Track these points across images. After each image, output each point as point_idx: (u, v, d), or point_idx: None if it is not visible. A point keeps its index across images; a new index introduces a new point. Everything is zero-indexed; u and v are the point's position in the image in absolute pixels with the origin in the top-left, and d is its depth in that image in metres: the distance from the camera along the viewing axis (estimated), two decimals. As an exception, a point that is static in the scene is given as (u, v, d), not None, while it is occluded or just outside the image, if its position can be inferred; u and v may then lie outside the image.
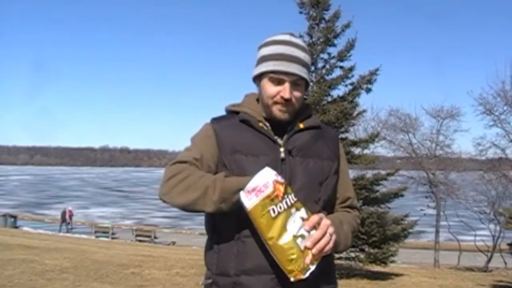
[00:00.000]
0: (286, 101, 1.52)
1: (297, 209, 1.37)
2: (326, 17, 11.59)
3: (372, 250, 11.34)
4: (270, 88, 1.54)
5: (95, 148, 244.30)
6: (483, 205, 22.14)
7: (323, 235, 1.37)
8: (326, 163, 1.57)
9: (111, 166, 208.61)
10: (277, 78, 1.53)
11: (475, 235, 22.57)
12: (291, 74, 1.52)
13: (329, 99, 11.42)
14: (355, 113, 11.55)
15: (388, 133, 22.45)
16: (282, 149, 1.53)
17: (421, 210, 22.48)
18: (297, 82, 1.54)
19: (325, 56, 11.61)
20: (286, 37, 1.58)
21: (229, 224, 1.47)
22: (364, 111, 12.35)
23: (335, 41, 11.49)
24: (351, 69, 11.35)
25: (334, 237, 1.40)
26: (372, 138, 12.41)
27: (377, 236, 10.97)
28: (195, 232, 32.25)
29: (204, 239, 1.65)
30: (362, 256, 11.37)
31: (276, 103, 1.53)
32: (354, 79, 11.39)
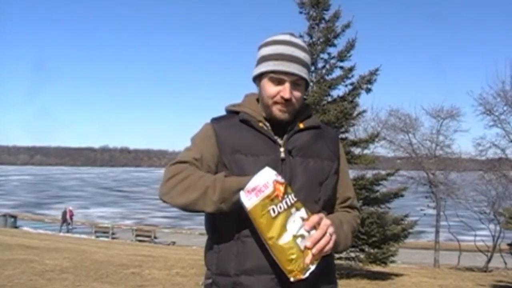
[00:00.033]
0: (286, 101, 1.52)
1: (297, 209, 1.37)
2: (326, 17, 11.59)
3: (372, 250, 11.34)
4: (270, 88, 1.54)
5: (95, 148, 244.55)
6: (483, 205, 22.14)
7: (323, 235, 1.37)
8: (326, 163, 1.57)
9: (111, 166, 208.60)
10: (277, 78, 1.53)
11: (475, 235, 22.57)
12: (291, 74, 1.52)
13: (329, 99, 11.42)
14: (355, 113, 11.56)
15: (388, 133, 22.48)
16: (282, 149, 1.52)
17: (421, 210, 22.47)
18: (297, 82, 1.54)
19: (325, 56, 11.63)
20: (286, 37, 1.58)
21: (229, 224, 1.47)
22: (364, 111, 12.37)
23: (335, 41, 11.50)
24: (351, 69, 11.35)
25: (334, 237, 1.40)
26: (372, 138, 12.42)
27: (377, 236, 10.97)
28: (195, 232, 32.25)
29: (204, 239, 1.65)
30: (362, 256, 11.37)
31: (276, 103, 1.54)
32: (354, 79, 11.41)
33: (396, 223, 12.13)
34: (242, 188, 1.36)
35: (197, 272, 8.65)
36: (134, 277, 7.88)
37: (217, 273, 1.51)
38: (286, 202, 1.35)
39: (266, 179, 1.35)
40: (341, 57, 11.43)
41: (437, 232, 22.00)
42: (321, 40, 11.50)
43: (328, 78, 11.48)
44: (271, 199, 1.34)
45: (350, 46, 11.37)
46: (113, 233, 28.64)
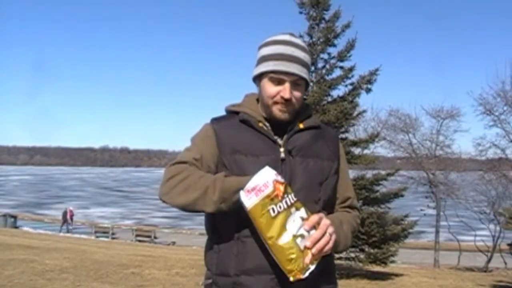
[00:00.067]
0: (286, 101, 1.52)
1: (297, 209, 1.37)
2: (326, 17, 11.59)
3: (372, 250, 11.34)
4: (270, 88, 1.54)
5: (95, 148, 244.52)
6: (483, 205, 22.13)
7: (323, 235, 1.36)
8: (326, 163, 1.57)
9: (111, 166, 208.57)
10: (277, 78, 1.53)
11: (475, 235, 22.56)
12: (291, 74, 1.52)
13: (329, 99, 11.42)
14: (355, 113, 11.56)
15: (388, 133, 22.46)
16: (282, 149, 1.52)
17: (421, 210, 22.48)
18: (297, 82, 1.54)
19: (325, 56, 11.63)
20: (286, 37, 1.58)
21: (229, 224, 1.47)
22: (364, 111, 12.37)
23: (335, 41, 11.50)
24: (351, 69, 11.35)
25: (334, 237, 1.40)
26: (372, 138, 12.42)
27: (377, 236, 10.97)
28: (195, 232, 32.25)
29: (204, 239, 1.65)
30: (362, 256, 11.37)
31: (276, 103, 1.53)
32: (354, 79, 11.41)
33: (396, 223, 12.13)
34: (242, 188, 1.36)
35: (197, 272, 8.65)
36: (134, 277, 7.88)
37: (217, 273, 1.51)
38: (286, 202, 1.35)
39: (266, 179, 1.35)
40: (341, 57, 11.43)
41: (437, 232, 21.99)
42: (321, 40, 11.51)
43: (328, 78, 11.48)
44: (271, 198, 1.34)
45: (350, 46, 11.37)
46: (113, 233, 28.64)
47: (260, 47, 1.61)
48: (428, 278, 12.63)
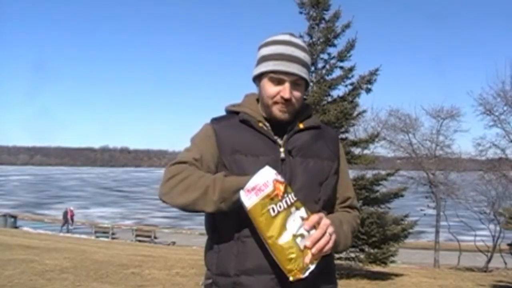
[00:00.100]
0: (286, 101, 1.52)
1: (297, 209, 1.37)
2: (326, 17, 11.59)
3: (372, 250, 11.34)
4: (270, 88, 1.54)
5: (95, 148, 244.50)
6: (483, 205, 22.13)
7: (323, 235, 1.36)
8: (326, 163, 1.57)
9: (111, 166, 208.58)
10: (277, 78, 1.53)
11: (475, 235, 22.56)
12: (291, 74, 1.52)
13: (329, 99, 11.42)
14: (355, 113, 11.56)
15: (388, 133, 22.47)
16: (282, 149, 1.52)
17: (421, 210, 22.48)
18: (297, 82, 1.54)
19: (325, 56, 11.63)
20: (286, 37, 1.58)
21: (229, 224, 1.47)
22: (364, 111, 12.37)
23: (335, 41, 11.51)
24: (351, 69, 11.35)
25: (333, 236, 1.40)
26: (372, 138, 12.42)
27: (377, 236, 10.97)
28: (195, 232, 32.24)
29: (204, 239, 1.65)
30: (362, 256, 11.37)
31: (276, 103, 1.54)
32: (354, 79, 11.41)
33: (396, 223, 12.13)
34: (242, 188, 1.36)
35: (197, 272, 8.65)
36: (134, 277, 7.88)
37: (217, 273, 1.51)
38: (286, 201, 1.35)
39: (266, 178, 1.35)
40: (341, 57, 11.43)
41: (437, 232, 21.99)
42: (321, 40, 11.51)
43: (328, 78, 11.48)
44: (271, 198, 1.34)
45: (350, 46, 11.38)
46: (113, 233, 28.64)
47: (260, 47, 1.61)
48: (428, 278, 12.63)
